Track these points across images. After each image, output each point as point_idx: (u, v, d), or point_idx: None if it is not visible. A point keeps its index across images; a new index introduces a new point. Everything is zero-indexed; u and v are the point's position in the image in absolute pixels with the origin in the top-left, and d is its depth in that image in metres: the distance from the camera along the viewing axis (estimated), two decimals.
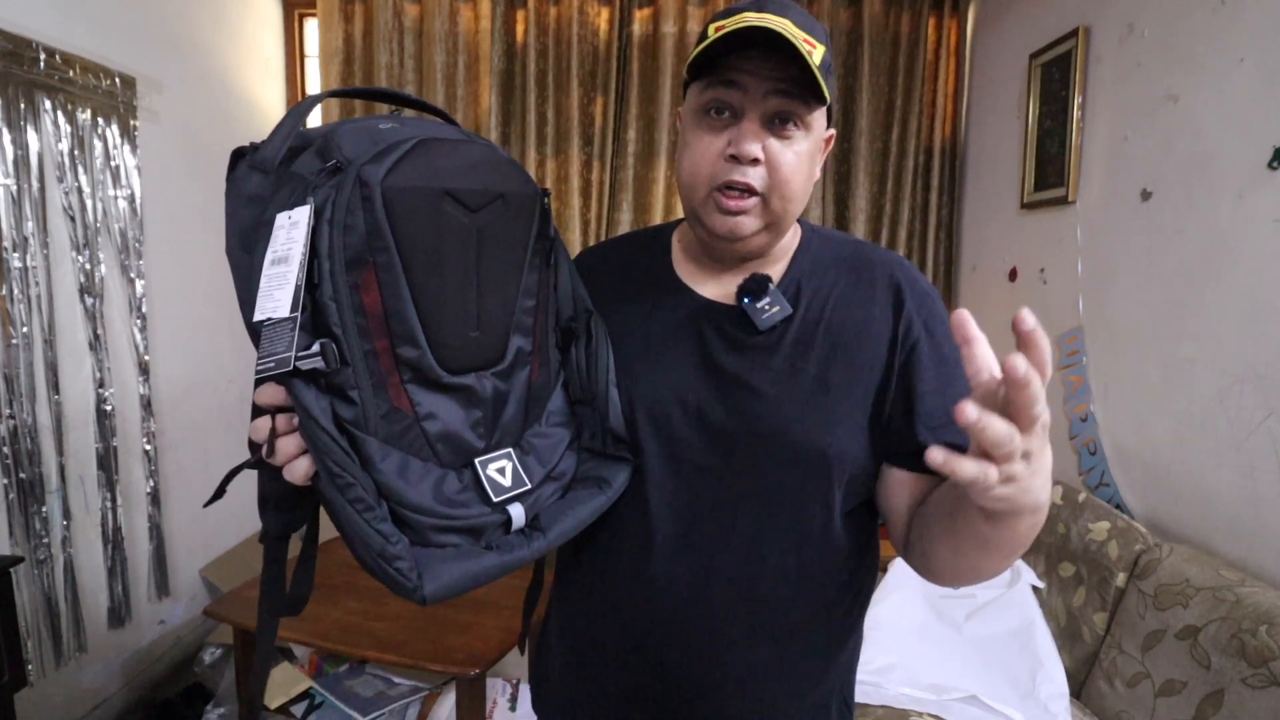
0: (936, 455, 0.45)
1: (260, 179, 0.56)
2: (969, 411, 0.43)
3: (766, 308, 0.71)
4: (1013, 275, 2.34)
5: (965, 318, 0.48)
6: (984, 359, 0.48)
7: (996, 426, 0.44)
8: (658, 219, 2.71)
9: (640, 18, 2.64)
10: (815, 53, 0.64)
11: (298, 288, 0.50)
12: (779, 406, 0.69)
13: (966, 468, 0.46)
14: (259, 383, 0.52)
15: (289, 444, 0.53)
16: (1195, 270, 1.59)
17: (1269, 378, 1.41)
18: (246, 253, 0.55)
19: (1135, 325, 1.78)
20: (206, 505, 0.60)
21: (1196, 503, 1.59)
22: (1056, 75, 2.10)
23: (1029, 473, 0.48)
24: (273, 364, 0.50)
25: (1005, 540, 0.58)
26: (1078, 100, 1.99)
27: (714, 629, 0.71)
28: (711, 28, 0.66)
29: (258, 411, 0.54)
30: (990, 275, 2.50)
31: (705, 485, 0.71)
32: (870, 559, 0.78)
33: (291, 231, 0.51)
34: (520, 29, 2.65)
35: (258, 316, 0.51)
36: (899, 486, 0.71)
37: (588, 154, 2.70)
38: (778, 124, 0.67)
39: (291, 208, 0.53)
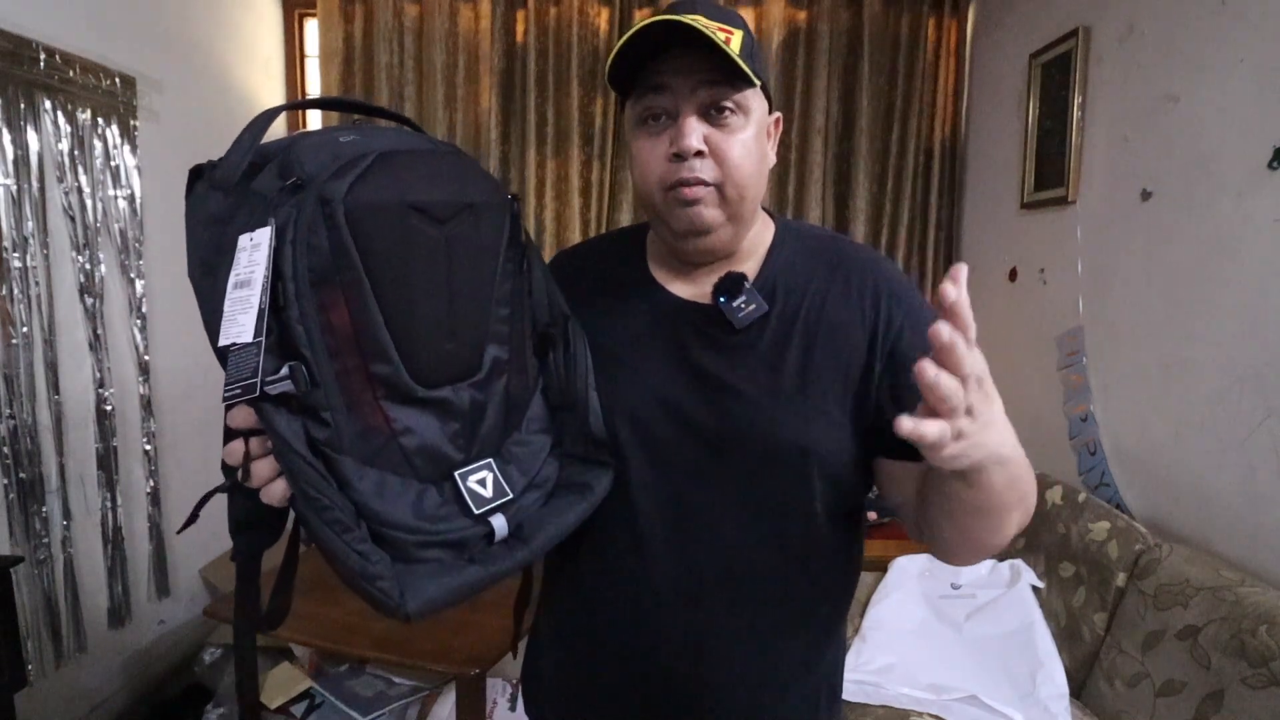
0: (906, 424, 0.48)
1: (220, 198, 0.55)
2: (927, 369, 0.47)
3: (742, 306, 0.71)
4: (1013, 275, 2.34)
5: (959, 278, 0.49)
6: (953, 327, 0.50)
7: (946, 382, 0.47)
8: None
9: (640, 18, 2.62)
10: (733, 38, 0.65)
11: (261, 312, 0.49)
12: (759, 405, 0.69)
13: (931, 429, 0.48)
14: (229, 407, 0.52)
15: (264, 467, 0.53)
16: (1195, 270, 1.59)
17: (1269, 378, 1.41)
18: (209, 275, 0.54)
19: (1135, 325, 1.78)
20: (180, 531, 0.60)
21: (1196, 503, 1.58)
22: (1056, 75, 2.10)
23: (976, 427, 0.50)
24: (239, 390, 0.49)
25: (987, 500, 0.59)
26: (1078, 100, 1.98)
27: (702, 627, 0.71)
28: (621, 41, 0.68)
29: (231, 434, 0.53)
30: (990, 275, 2.50)
31: (689, 485, 0.71)
32: (855, 554, 0.79)
33: (253, 254, 0.51)
34: (520, 29, 2.65)
35: (222, 341, 0.50)
36: (904, 479, 0.71)
37: (588, 154, 2.70)
38: (714, 114, 0.68)
39: (253, 229, 0.51)
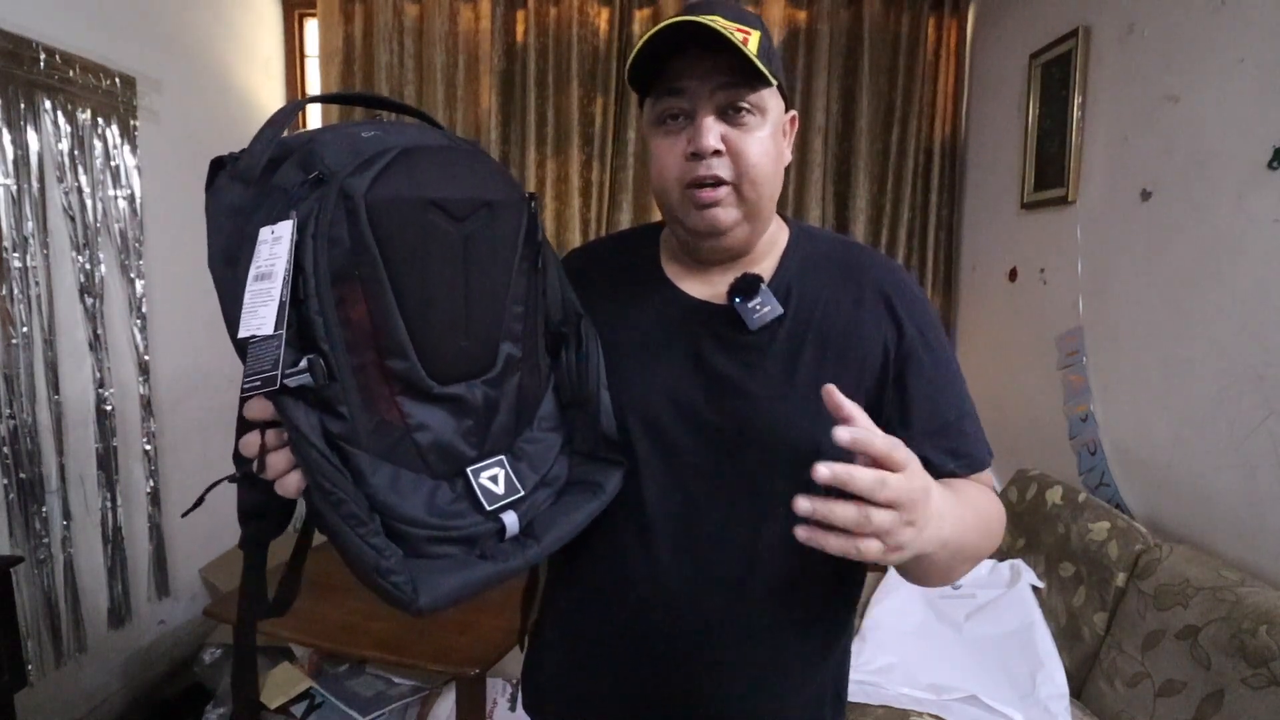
0: (803, 504, 0.49)
1: (241, 190, 0.55)
2: (833, 472, 0.49)
3: (758, 308, 0.71)
4: (1013, 275, 2.34)
5: (832, 393, 0.53)
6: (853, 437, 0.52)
7: (862, 476, 0.49)
8: (657, 219, 2.71)
9: (640, 18, 2.64)
10: (750, 39, 0.66)
11: (282, 304, 0.50)
12: (771, 407, 0.70)
13: (833, 542, 0.50)
14: (245, 399, 0.52)
15: (279, 459, 0.53)
16: (1195, 270, 1.59)
17: (1269, 378, 1.41)
18: (230, 266, 0.54)
19: (1135, 325, 1.78)
20: (185, 515, 0.60)
21: (1196, 503, 1.59)
22: (1056, 75, 2.10)
23: (913, 533, 0.52)
24: (259, 382, 0.49)
25: (929, 572, 0.65)
26: (1078, 100, 1.99)
27: (710, 628, 0.71)
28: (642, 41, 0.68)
29: (246, 426, 0.54)
30: (990, 275, 2.50)
31: (699, 486, 0.71)
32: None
33: (274, 247, 0.51)
34: (520, 29, 2.65)
35: (242, 333, 0.51)
36: None
37: (588, 154, 2.70)
38: (732, 114, 0.69)
39: (274, 222, 0.52)
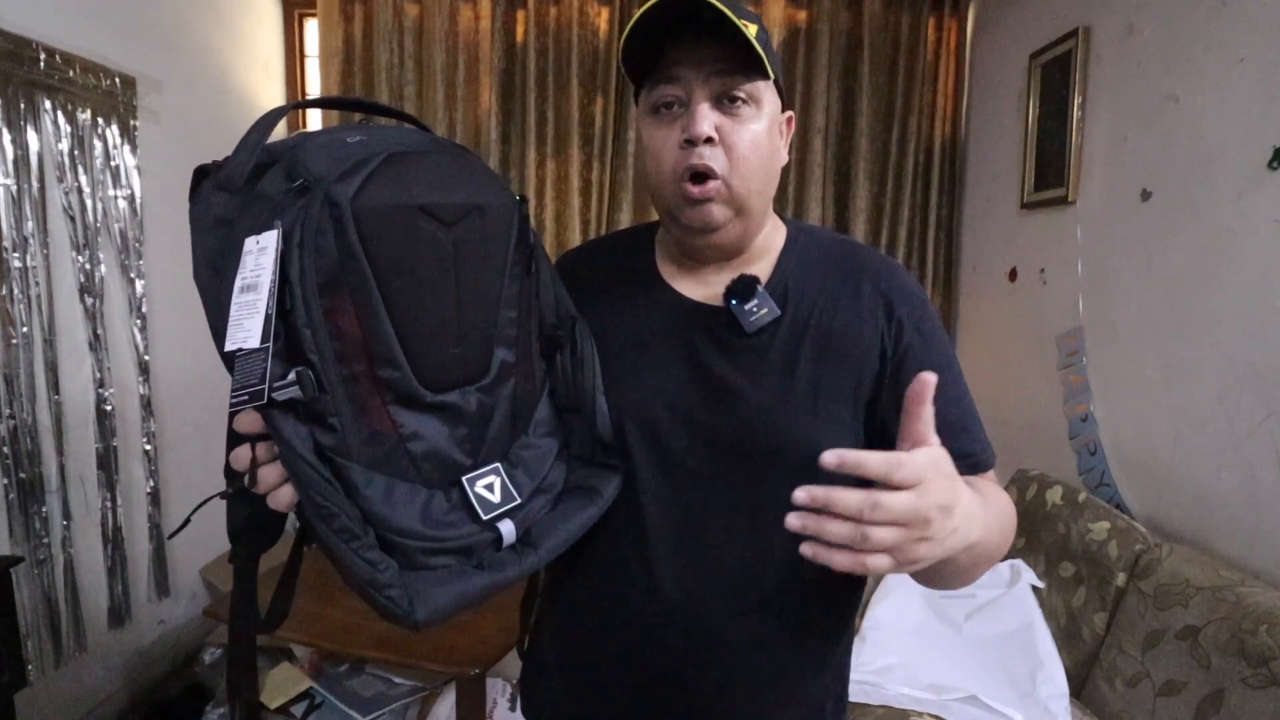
0: (793, 520, 0.49)
1: (225, 199, 0.54)
2: (812, 495, 0.48)
3: (754, 310, 0.70)
4: (1013, 275, 2.34)
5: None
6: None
7: (844, 499, 0.48)
8: (656, 218, 2.71)
9: None
10: (749, 29, 0.65)
11: (268, 317, 0.49)
12: (769, 410, 0.69)
13: (838, 559, 0.49)
14: (235, 413, 0.51)
15: (271, 473, 0.52)
16: (1195, 270, 1.59)
17: (1269, 378, 1.41)
18: (216, 277, 0.53)
19: (1135, 325, 1.78)
20: (171, 536, 0.60)
21: (1196, 503, 1.59)
22: (1056, 75, 2.10)
23: (933, 546, 0.50)
24: (247, 396, 0.48)
25: (951, 571, 0.62)
26: (1078, 100, 1.99)
27: (709, 633, 0.71)
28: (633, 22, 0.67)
29: (236, 439, 0.53)
30: (990, 275, 2.50)
31: (697, 490, 0.70)
32: None
33: (259, 257, 0.50)
34: (520, 29, 2.65)
35: (229, 346, 0.50)
36: None
37: (588, 154, 2.70)
38: (727, 103, 0.68)
39: (259, 231, 0.50)
